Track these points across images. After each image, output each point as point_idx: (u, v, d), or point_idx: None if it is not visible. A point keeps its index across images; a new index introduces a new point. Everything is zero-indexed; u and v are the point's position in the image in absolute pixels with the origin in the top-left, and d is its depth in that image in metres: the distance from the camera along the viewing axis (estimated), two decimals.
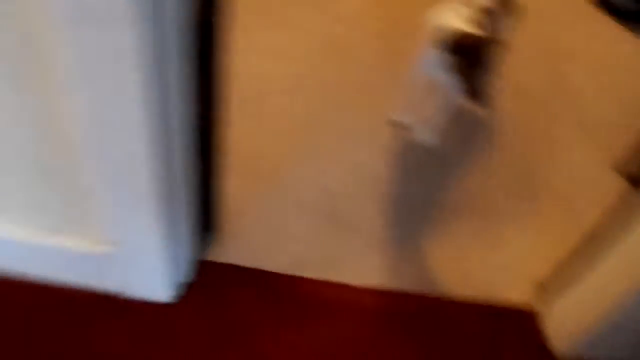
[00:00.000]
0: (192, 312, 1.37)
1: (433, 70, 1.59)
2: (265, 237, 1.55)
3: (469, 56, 1.45)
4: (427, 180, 1.76)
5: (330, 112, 1.86)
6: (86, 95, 0.93)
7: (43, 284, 1.34)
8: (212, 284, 1.43)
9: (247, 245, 1.52)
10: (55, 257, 1.29)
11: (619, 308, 1.22)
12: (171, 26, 0.93)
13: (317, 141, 1.78)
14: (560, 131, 1.94)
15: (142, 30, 0.83)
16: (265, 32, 2.03)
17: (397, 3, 2.16)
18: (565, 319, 1.39)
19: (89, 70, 0.89)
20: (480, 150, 1.86)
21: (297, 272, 1.48)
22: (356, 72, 1.97)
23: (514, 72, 2.09)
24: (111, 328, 1.33)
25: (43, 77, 0.94)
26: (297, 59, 1.97)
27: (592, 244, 1.35)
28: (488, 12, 1.57)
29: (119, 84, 0.90)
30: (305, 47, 2.00)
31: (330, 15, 2.11)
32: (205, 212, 1.45)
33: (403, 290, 1.49)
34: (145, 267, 1.29)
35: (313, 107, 1.86)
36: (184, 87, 1.05)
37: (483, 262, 1.58)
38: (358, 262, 1.53)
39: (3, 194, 1.19)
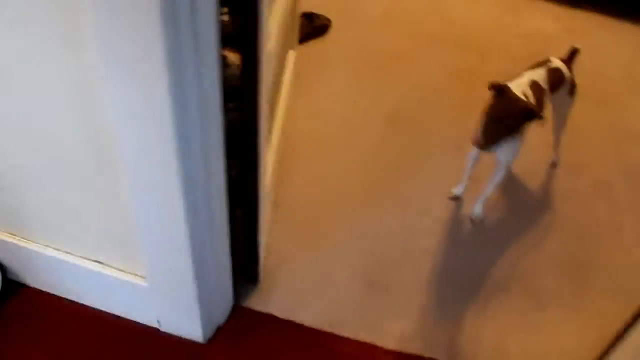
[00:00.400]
0: (221, 354, 1.41)
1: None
2: (305, 292, 1.58)
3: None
4: (476, 254, 1.75)
5: (386, 179, 1.91)
6: (133, 140, 1.05)
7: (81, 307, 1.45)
8: (246, 329, 1.47)
9: (286, 297, 1.56)
10: (93, 282, 1.39)
11: None
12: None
13: (369, 205, 1.83)
14: (621, 218, 1.89)
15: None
16: (328, 100, 2.15)
17: (473, 78, 2.21)
18: None
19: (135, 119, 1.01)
20: (536, 228, 1.84)
21: (331, 329, 1.50)
22: (417, 142, 2.02)
23: (576, 152, 2.08)
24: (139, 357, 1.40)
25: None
26: (358, 125, 2.05)
27: None
28: (535, 86, 1.68)
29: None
30: (369, 114, 2.08)
31: (398, 82, 2.20)
32: (250, 261, 1.51)
33: (434, 358, 1.46)
34: (178, 304, 1.36)
35: (370, 172, 1.92)
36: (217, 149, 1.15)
37: (520, 344, 1.53)
38: (394, 326, 1.53)
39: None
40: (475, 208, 1.83)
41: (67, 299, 1.48)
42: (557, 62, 1.81)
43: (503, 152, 1.69)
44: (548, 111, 1.81)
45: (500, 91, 1.56)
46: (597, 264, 1.75)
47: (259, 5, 1.08)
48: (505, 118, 1.55)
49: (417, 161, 1.97)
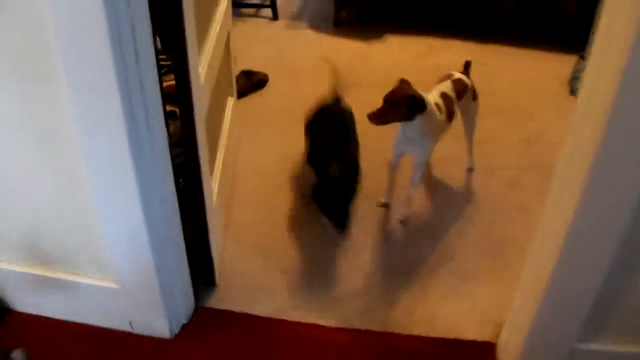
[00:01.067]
0: (187, 347, 1.64)
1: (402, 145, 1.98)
2: (256, 290, 1.84)
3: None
4: (407, 248, 2.02)
5: None
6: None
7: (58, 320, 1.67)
8: (208, 324, 1.70)
9: (240, 295, 1.81)
10: (70, 294, 1.63)
11: None
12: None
13: (307, 219, 2.11)
14: (530, 204, 2.18)
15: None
16: (271, 140, 2.47)
17: None
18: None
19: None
20: (458, 220, 2.11)
21: (281, 317, 1.74)
22: None
23: (489, 157, 2.40)
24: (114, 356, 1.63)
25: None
26: (296, 159, 2.36)
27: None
28: (445, 96, 2.05)
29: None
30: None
31: None
32: (206, 266, 1.77)
33: (374, 330, 1.69)
34: (146, 306, 1.60)
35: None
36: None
37: (448, 313, 1.78)
38: (335, 308, 1.77)
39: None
40: (402, 210, 2.11)
41: (41, 316, 1.70)
42: (457, 74, 2.16)
43: (416, 153, 2.00)
44: (458, 119, 2.15)
45: (402, 81, 1.92)
46: (510, 241, 2.02)
47: (189, 66, 1.41)
48: (396, 102, 1.86)
49: None
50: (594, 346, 1.42)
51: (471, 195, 2.24)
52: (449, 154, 2.36)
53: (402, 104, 1.86)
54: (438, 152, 2.22)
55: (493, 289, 1.84)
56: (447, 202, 2.23)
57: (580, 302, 1.35)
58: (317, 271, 1.92)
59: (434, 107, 1.94)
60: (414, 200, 2.14)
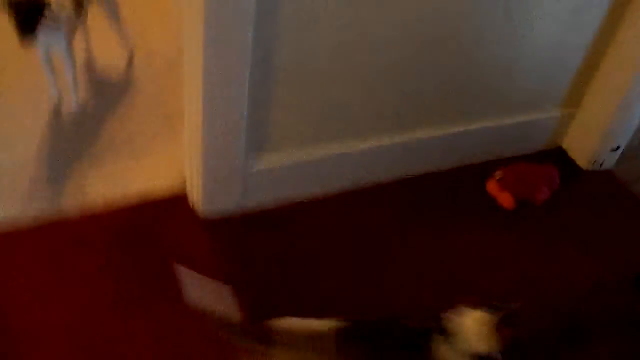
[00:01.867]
0: None
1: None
2: None
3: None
4: (81, 130, 2.03)
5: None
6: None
7: None
8: None
9: None
10: None
11: None
12: None
13: None
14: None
15: None
16: None
17: None
18: None
19: None
20: (122, 102, 2.19)
21: None
22: None
23: (147, 41, 2.48)
24: None
25: None
26: None
27: None
28: None
29: None
30: None
31: None
32: None
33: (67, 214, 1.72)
34: None
35: None
36: None
37: (123, 189, 1.83)
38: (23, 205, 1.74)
39: None
40: (72, 96, 2.09)
41: None
42: None
43: (55, 44, 1.97)
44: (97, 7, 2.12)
45: None
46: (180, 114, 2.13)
47: None
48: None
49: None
50: (263, 165, 1.64)
51: (135, 79, 2.31)
52: (105, 44, 2.37)
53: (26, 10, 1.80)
54: (97, 40, 2.25)
55: (174, 154, 1.97)
56: (111, 89, 2.22)
57: (235, 128, 1.53)
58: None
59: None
60: (79, 88, 2.12)
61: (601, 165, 2.07)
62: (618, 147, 2.05)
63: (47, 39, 1.94)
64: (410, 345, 1.18)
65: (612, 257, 1.77)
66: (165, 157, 1.97)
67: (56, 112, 2.11)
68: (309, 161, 1.70)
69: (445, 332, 1.14)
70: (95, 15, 2.18)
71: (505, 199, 1.82)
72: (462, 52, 1.65)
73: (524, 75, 1.81)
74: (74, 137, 2.02)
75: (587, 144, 2.04)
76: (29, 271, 1.57)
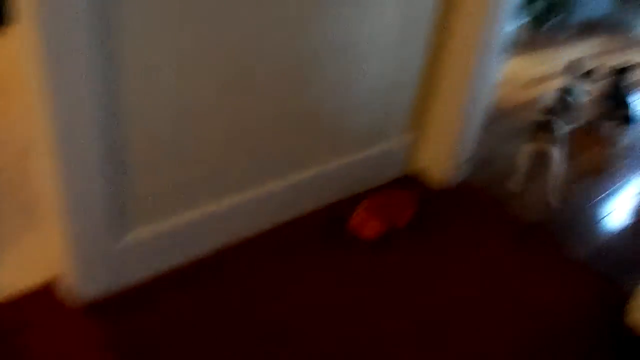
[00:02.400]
0: None
1: None
2: None
3: None
4: None
5: None
6: None
7: None
8: None
9: None
10: None
11: None
12: None
13: None
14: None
15: None
16: None
17: None
18: None
19: None
20: None
21: None
22: None
23: None
24: None
25: None
26: None
27: None
28: None
29: None
30: None
31: None
32: None
33: None
34: None
35: None
36: None
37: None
38: None
39: None
40: None
41: None
42: None
43: None
44: None
45: None
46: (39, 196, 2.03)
47: None
48: None
49: None
50: (131, 240, 1.60)
51: None
52: None
53: None
54: None
55: (39, 239, 1.92)
56: None
57: (96, 208, 1.50)
58: None
59: None
60: None
61: (456, 178, 2.23)
62: (467, 160, 2.22)
63: None
64: None
65: (480, 257, 1.90)
66: (28, 247, 1.90)
67: None
68: (176, 228, 1.70)
69: None
70: None
71: (370, 229, 1.91)
72: (299, 98, 1.71)
73: (364, 109, 1.92)
74: None
75: (438, 163, 2.19)
76: None
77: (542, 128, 2.14)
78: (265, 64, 1.57)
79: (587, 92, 2.66)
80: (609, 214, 2.24)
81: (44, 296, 1.72)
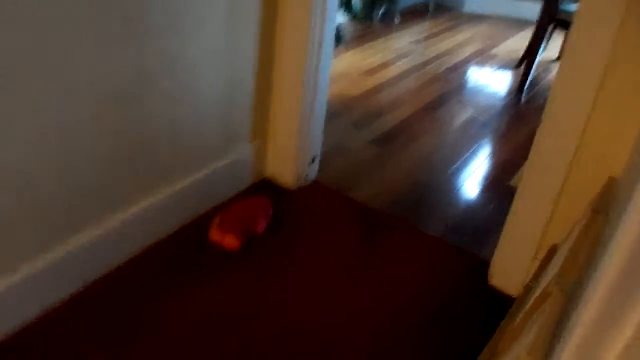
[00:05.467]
0: None
1: None
2: None
3: None
4: None
5: None
6: None
7: None
8: None
9: None
10: None
11: None
12: None
13: None
14: None
15: None
16: None
17: None
18: None
19: None
20: None
21: None
22: None
23: None
24: None
25: None
26: None
27: None
28: None
29: None
30: None
31: None
32: None
33: None
34: None
35: None
36: None
37: None
38: None
39: None
40: None
41: None
42: None
43: None
44: None
45: None
46: None
47: None
48: None
49: None
50: None
51: None
52: None
53: None
54: None
55: None
56: None
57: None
58: None
59: None
60: None
61: (306, 179, 2.27)
62: (314, 158, 2.27)
63: None
64: None
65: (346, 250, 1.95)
66: None
67: None
68: (32, 275, 1.59)
69: None
70: None
71: (230, 241, 1.90)
72: (127, 123, 1.67)
73: (203, 126, 1.91)
74: None
75: (286, 165, 2.22)
76: None
77: None
78: (93, 90, 1.51)
79: None
80: (461, 186, 2.40)
81: None
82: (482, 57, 4.27)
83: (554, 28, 3.93)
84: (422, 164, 2.55)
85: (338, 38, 3.67)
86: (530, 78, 3.55)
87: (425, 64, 3.92)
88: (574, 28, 1.46)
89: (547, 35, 3.69)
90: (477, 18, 5.55)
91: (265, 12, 1.93)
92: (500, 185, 2.45)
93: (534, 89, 3.63)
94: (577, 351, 0.74)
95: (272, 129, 2.18)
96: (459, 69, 3.91)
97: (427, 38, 4.70)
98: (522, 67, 3.81)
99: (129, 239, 1.82)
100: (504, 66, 4.07)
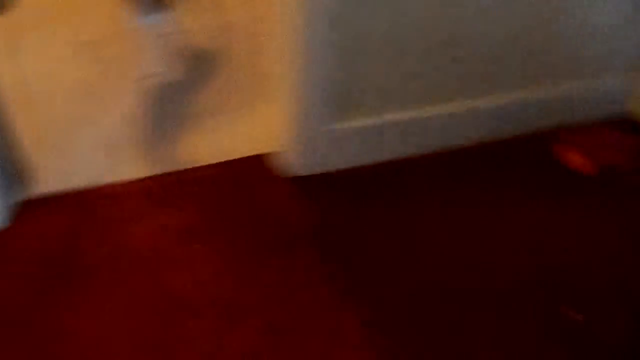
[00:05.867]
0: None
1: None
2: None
3: None
4: (171, 103, 2.13)
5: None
6: None
7: None
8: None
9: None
10: None
11: None
12: None
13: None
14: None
15: None
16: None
17: None
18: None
19: None
20: (212, 72, 2.29)
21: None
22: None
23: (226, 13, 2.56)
24: None
25: None
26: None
27: None
28: None
29: None
30: None
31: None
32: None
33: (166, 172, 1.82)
34: None
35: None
36: None
37: (211, 145, 1.94)
38: (120, 162, 1.86)
39: None
40: (165, 65, 2.21)
41: None
42: None
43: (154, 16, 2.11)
44: None
45: None
46: (269, 75, 2.05)
47: None
48: None
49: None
50: (345, 124, 1.74)
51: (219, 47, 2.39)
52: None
53: None
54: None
55: (265, 111, 2.01)
56: (200, 57, 2.32)
57: (323, 89, 1.66)
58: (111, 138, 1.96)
59: None
60: (172, 57, 2.23)
61: None
62: None
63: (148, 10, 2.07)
64: None
65: None
66: (253, 117, 2.03)
67: (151, 79, 2.21)
68: (384, 125, 1.76)
69: None
70: None
71: (585, 165, 1.81)
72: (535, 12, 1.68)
73: (595, 39, 1.83)
74: (168, 103, 2.11)
75: None
76: (123, 227, 1.66)
77: None
78: None
79: None
80: None
81: (264, 162, 1.86)
82: None
83: None
84: None
85: None
86: None
87: None
88: None
89: None
90: None
91: None
92: None
93: None
94: None
95: None
96: None
97: None
98: None
99: (486, 123, 1.86)
100: None
